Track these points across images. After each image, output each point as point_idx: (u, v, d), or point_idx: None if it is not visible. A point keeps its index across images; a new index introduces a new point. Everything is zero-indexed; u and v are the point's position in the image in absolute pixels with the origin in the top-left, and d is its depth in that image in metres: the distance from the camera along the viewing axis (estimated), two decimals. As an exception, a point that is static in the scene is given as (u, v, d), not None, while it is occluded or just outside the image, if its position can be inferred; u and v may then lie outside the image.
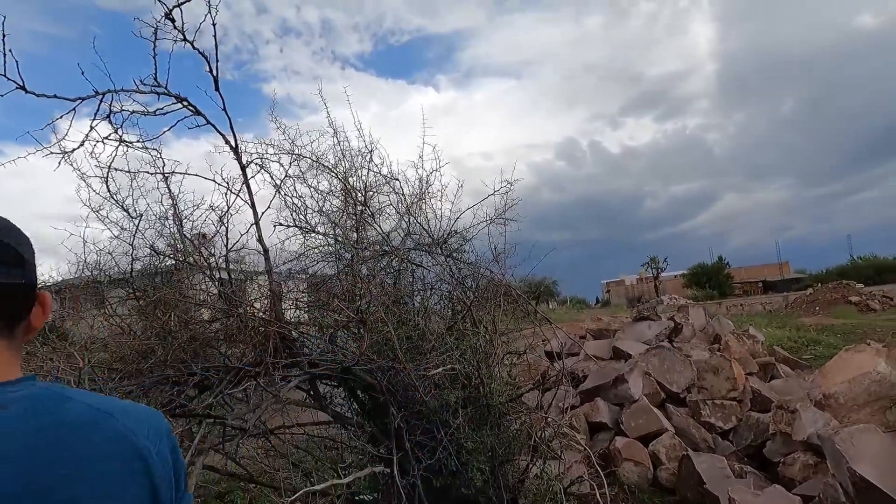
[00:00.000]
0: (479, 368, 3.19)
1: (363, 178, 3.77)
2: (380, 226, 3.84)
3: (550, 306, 30.66)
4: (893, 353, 3.91)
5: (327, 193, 3.50)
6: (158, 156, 3.09)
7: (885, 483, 2.86)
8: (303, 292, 3.47)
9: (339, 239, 3.43)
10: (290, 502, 2.10)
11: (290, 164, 3.28)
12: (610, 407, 5.26)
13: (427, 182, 3.96)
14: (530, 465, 3.40)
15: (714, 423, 5.07)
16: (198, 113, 2.82)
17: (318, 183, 3.72)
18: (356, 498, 3.49)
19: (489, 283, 3.81)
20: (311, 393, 3.24)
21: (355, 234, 3.66)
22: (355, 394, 3.50)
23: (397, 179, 3.95)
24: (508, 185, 3.95)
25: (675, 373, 5.47)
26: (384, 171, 3.85)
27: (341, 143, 3.61)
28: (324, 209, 3.47)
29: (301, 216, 3.33)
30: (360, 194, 3.69)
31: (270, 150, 3.24)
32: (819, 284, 22.76)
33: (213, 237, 3.25)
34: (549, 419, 3.68)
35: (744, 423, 4.95)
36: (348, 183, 3.65)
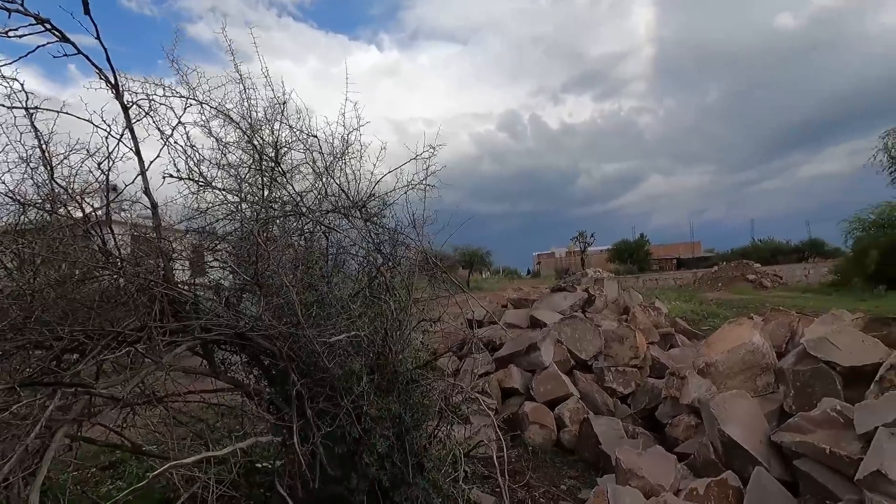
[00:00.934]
0: (387, 335, 3.14)
1: (275, 132, 3.50)
2: (292, 185, 3.60)
3: (483, 275, 31.40)
4: (768, 326, 4.32)
5: (228, 145, 3.21)
6: (20, 88, 2.65)
7: (748, 442, 3.19)
8: (194, 251, 3.19)
9: (240, 196, 3.18)
10: (161, 473, 1.96)
11: (185, 109, 2.95)
12: (523, 373, 5.47)
13: (347, 141, 3.75)
14: (436, 431, 3.45)
15: (616, 389, 5.44)
16: (65, 39, 2.42)
17: (225, 135, 3.40)
18: (256, 465, 3.39)
19: (406, 250, 3.72)
20: (206, 359, 3.04)
21: (265, 192, 3.41)
22: (259, 360, 3.34)
23: (315, 136, 3.71)
24: (432, 150, 3.84)
25: (584, 341, 5.77)
26: (301, 126, 3.59)
27: (247, 90, 3.29)
28: (223, 163, 3.17)
29: (195, 168, 3.02)
30: (270, 149, 3.42)
31: (160, 92, 2.87)
32: (723, 263, 25.06)
33: (90, 186, 2.88)
34: (459, 385, 3.73)
35: (641, 388, 5.35)
36: (256, 137, 3.37)
